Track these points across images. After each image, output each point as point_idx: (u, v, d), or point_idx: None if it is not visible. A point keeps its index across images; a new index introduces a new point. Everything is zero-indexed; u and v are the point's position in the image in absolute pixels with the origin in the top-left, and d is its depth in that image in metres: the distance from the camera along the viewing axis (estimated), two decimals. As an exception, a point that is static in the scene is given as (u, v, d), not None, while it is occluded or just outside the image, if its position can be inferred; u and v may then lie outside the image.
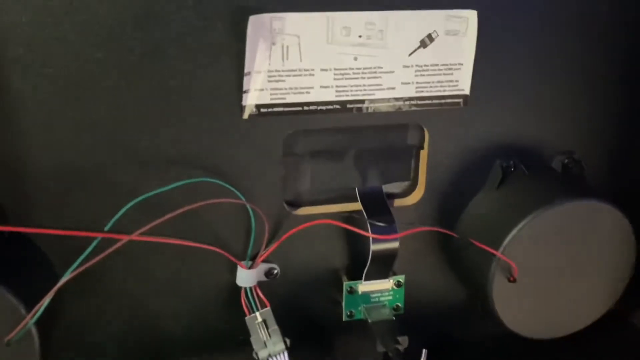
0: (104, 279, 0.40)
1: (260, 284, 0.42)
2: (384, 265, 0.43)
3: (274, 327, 0.40)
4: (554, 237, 0.40)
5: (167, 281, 0.42)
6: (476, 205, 0.43)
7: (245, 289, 0.41)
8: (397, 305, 0.45)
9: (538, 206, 0.39)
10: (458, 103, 0.41)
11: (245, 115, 0.38)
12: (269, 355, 0.40)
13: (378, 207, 0.42)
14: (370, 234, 0.39)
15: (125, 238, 0.33)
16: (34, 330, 0.34)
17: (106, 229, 0.34)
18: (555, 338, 0.44)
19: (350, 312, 0.44)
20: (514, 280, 0.40)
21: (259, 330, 0.40)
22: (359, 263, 0.43)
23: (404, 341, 0.40)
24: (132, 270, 0.41)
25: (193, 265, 0.42)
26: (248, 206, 0.40)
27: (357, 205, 0.43)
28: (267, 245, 0.41)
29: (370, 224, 0.41)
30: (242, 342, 0.41)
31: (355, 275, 0.44)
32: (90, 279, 0.40)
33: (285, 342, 0.40)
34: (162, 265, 0.41)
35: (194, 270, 0.42)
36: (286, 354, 0.40)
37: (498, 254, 0.38)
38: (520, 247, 0.39)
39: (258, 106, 0.38)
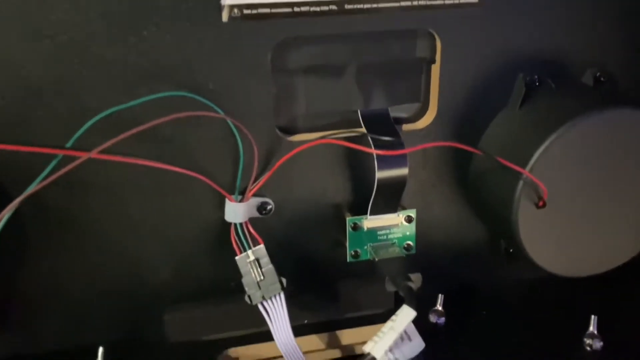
0: (77, 222, 0.36)
1: (253, 222, 0.37)
2: (391, 197, 0.37)
3: (268, 266, 0.35)
4: (587, 155, 0.35)
5: (146, 221, 0.37)
6: (497, 126, 0.38)
7: (235, 225, 0.36)
8: (408, 244, 0.40)
9: (570, 117, 0.33)
10: (474, 3, 0.35)
11: (225, 18, 0.32)
12: (263, 298, 0.35)
13: (384, 131, 0.37)
14: (374, 150, 0.34)
15: (84, 155, 0.28)
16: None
17: (68, 145, 0.29)
18: (586, 277, 0.39)
19: (355, 251, 0.39)
20: (543, 205, 0.34)
21: (251, 270, 0.35)
22: (364, 197, 0.38)
23: (416, 279, 0.35)
24: (107, 211, 0.36)
25: (174, 201, 0.37)
26: (232, 125, 0.34)
27: (360, 131, 0.38)
28: (257, 176, 0.36)
29: (375, 142, 0.35)
30: (234, 288, 0.36)
31: (360, 211, 0.39)
32: (62, 225, 0.36)
33: (281, 282, 0.35)
34: (140, 202, 0.36)
35: (176, 207, 0.37)
36: (282, 295, 0.35)
37: (525, 172, 0.33)
38: (550, 165, 0.34)
39: (240, 6, 0.32)
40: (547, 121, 0.35)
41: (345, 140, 0.37)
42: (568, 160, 0.34)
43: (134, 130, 0.29)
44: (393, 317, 0.33)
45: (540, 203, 0.34)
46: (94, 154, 0.28)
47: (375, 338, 0.33)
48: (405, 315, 0.32)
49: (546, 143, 0.34)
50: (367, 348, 0.33)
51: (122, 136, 0.29)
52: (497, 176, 0.36)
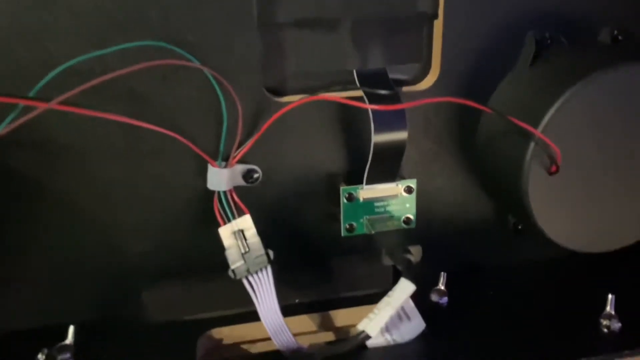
0: (46, 190, 0.33)
1: (238, 192, 0.34)
2: (390, 164, 0.34)
3: (254, 237, 0.32)
4: (604, 115, 0.31)
5: (121, 189, 0.34)
6: (505, 87, 0.35)
7: (219, 194, 0.33)
8: (408, 218, 0.36)
9: (586, 73, 0.30)
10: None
11: (205, -41, 0.29)
12: (248, 272, 0.32)
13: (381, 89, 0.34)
14: (369, 105, 0.30)
15: (43, 105, 0.25)
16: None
17: (30, 94, 0.26)
18: (603, 254, 0.36)
19: (350, 225, 0.36)
20: (556, 170, 0.31)
21: (236, 242, 0.32)
22: (360, 166, 0.35)
23: (416, 251, 0.31)
24: (78, 177, 0.33)
25: (152, 166, 0.33)
26: (212, 79, 0.31)
27: (356, 93, 0.35)
28: (242, 140, 0.33)
29: (370, 98, 0.32)
30: (219, 264, 0.33)
31: (356, 181, 0.35)
32: (30, 193, 0.33)
33: (268, 255, 0.32)
34: (114, 168, 0.33)
35: (153, 173, 0.34)
36: (269, 269, 0.32)
37: (537, 132, 0.30)
38: (563, 127, 0.31)
39: (221, -54, 0.29)
40: (560, 78, 0.32)
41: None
42: (584, 120, 0.31)
43: (100, 79, 0.26)
44: (389, 293, 0.30)
45: (553, 168, 0.31)
46: (54, 104, 0.25)
47: (370, 315, 0.30)
48: (403, 289, 0.29)
49: (560, 101, 0.30)
50: (360, 326, 0.30)
51: (87, 85, 0.26)
52: (506, 140, 0.32)
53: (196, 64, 0.30)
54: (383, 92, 0.31)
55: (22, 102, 0.25)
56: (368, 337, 0.29)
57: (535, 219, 0.33)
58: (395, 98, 0.32)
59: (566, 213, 0.34)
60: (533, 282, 0.39)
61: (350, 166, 0.36)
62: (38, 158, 0.32)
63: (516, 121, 0.30)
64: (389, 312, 0.29)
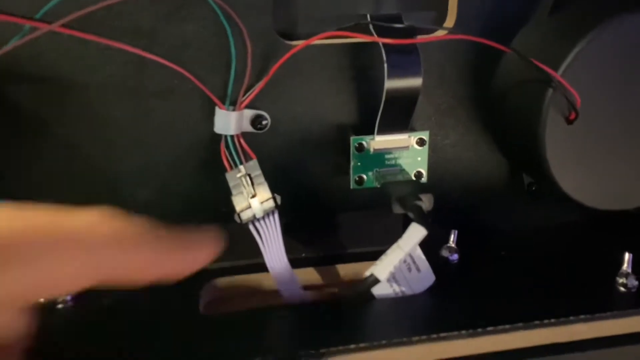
0: (50, 128, 0.32)
1: (246, 138, 0.33)
2: (402, 112, 0.33)
3: (260, 180, 0.32)
4: (624, 63, 0.30)
5: (126, 129, 0.33)
6: (523, 37, 0.34)
7: (226, 138, 0.32)
8: (419, 171, 0.36)
9: (610, 16, 0.29)
10: None
11: None
12: (255, 218, 0.31)
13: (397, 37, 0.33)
14: (379, 39, 0.29)
15: (46, 27, 0.24)
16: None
17: (36, 17, 0.26)
18: (620, 212, 0.34)
19: (359, 177, 0.35)
20: (575, 118, 0.30)
21: (242, 186, 0.32)
22: (371, 116, 0.34)
23: (428, 199, 0.30)
24: (82, 115, 0.32)
25: (157, 106, 0.33)
26: (220, 12, 0.30)
27: (369, 38, 0.34)
28: (251, 84, 0.32)
29: (380, 32, 0.31)
30: (225, 214, 0.33)
31: (366, 131, 0.35)
32: (35, 130, 0.32)
33: (275, 200, 0.31)
34: (119, 106, 0.32)
35: (158, 113, 0.33)
36: (277, 214, 0.31)
37: (556, 75, 0.29)
38: (584, 72, 0.30)
39: None
40: (580, 25, 0.31)
41: (352, 44, 0.33)
42: (604, 67, 0.30)
43: (104, 3, 0.25)
44: (399, 239, 0.29)
45: (572, 116, 0.30)
46: (56, 26, 0.24)
47: (377, 261, 0.29)
48: (414, 232, 0.28)
49: (580, 45, 0.29)
50: (368, 271, 0.29)
51: (90, 8, 0.25)
52: (524, 86, 0.31)
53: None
54: (397, 25, 0.30)
55: (26, 23, 0.24)
56: (377, 280, 0.28)
57: (550, 171, 0.32)
58: (410, 32, 0.31)
59: (583, 166, 0.32)
60: (547, 243, 0.38)
61: (361, 117, 0.36)
62: (41, 93, 0.31)
63: (536, 62, 0.29)
64: (399, 256, 0.28)
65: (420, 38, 0.32)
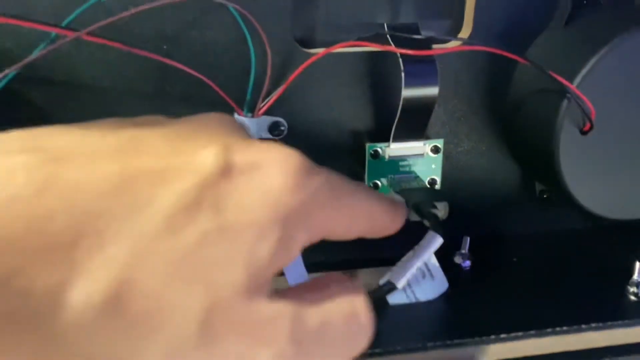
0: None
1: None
2: (418, 121, 0.34)
3: (277, 187, 0.32)
4: (639, 77, 0.31)
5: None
6: (538, 47, 0.34)
7: (244, 144, 0.33)
8: (433, 179, 0.36)
9: (622, 31, 0.29)
10: None
11: None
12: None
13: (413, 42, 0.33)
14: (398, 49, 0.30)
15: (71, 34, 0.24)
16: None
17: (63, 24, 0.26)
18: (628, 224, 0.35)
19: (374, 183, 0.36)
20: (590, 129, 0.30)
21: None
22: (387, 124, 0.34)
23: (443, 208, 0.31)
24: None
25: (177, 114, 0.33)
26: (240, 20, 0.31)
27: (388, 48, 0.34)
28: (268, 90, 0.33)
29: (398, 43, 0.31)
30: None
31: (381, 138, 0.35)
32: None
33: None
34: (139, 111, 0.33)
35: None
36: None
37: (571, 86, 0.29)
38: (599, 84, 0.30)
39: None
40: (595, 37, 0.31)
41: (369, 52, 0.33)
42: (619, 80, 0.30)
43: (129, 12, 0.26)
44: (415, 247, 0.30)
45: (587, 127, 0.31)
46: (83, 34, 0.24)
47: (394, 268, 0.29)
48: (430, 241, 0.28)
49: (595, 58, 0.30)
50: (384, 278, 0.29)
51: (115, 17, 0.26)
52: (539, 96, 0.32)
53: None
54: (415, 36, 0.30)
55: (54, 30, 0.25)
56: (394, 287, 0.28)
57: (563, 180, 0.32)
58: (426, 44, 0.31)
59: (596, 177, 0.33)
60: (558, 250, 0.38)
61: (376, 125, 0.36)
62: (63, 97, 0.31)
63: (551, 73, 0.29)
64: (416, 263, 0.28)
65: (438, 48, 0.32)
